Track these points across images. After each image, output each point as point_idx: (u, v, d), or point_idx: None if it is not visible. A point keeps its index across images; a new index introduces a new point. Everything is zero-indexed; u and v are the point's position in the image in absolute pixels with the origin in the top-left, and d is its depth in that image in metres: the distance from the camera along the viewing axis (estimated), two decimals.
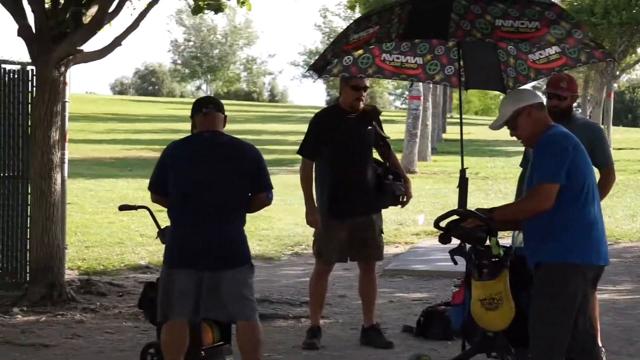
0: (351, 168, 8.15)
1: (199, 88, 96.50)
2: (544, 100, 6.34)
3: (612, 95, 38.75)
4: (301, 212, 16.50)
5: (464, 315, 6.52)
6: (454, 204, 18.69)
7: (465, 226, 6.23)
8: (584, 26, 5.93)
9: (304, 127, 32.71)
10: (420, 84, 25.28)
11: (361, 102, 8.14)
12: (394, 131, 41.99)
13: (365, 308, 8.40)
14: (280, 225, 15.37)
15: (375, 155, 8.38)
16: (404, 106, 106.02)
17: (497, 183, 22.83)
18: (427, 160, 27.89)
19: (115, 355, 7.92)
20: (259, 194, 6.59)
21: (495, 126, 6.31)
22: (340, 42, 6.33)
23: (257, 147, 24.77)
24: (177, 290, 6.47)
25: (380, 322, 8.61)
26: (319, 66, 6.66)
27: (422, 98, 25.92)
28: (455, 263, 6.45)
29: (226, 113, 6.64)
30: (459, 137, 30.86)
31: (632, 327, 9.06)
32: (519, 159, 30.40)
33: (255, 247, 13.58)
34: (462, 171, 6.62)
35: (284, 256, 13.25)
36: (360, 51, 6.63)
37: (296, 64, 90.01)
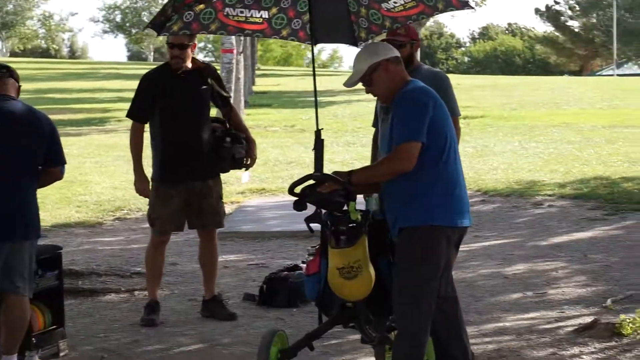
0: (184, 130, 7.62)
1: None
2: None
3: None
4: (118, 174, 15.94)
5: (320, 285, 6.12)
6: (274, 159, 18.50)
7: (321, 191, 5.81)
8: None
9: (110, 84, 31.90)
10: (233, 37, 24.69)
11: (182, 61, 7.58)
12: None
13: (206, 279, 7.91)
14: (99, 190, 14.61)
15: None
16: (207, 59, 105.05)
17: (313, 135, 22.51)
18: (240, 114, 27.36)
19: None
20: (53, 168, 6.26)
21: (349, 83, 5.89)
22: None
23: (63, 106, 23.74)
24: None
25: (220, 291, 8.14)
26: (159, 23, 6.04)
27: (235, 51, 25.33)
28: (312, 231, 6.05)
29: (26, 71, 6.10)
30: (268, 89, 30.64)
31: (474, 282, 8.91)
32: (331, 109, 30.66)
33: (74, 214, 12.90)
34: (318, 132, 6.18)
35: (106, 222, 12.56)
36: (202, 5, 6.04)
37: (96, 20, 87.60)
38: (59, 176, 6.32)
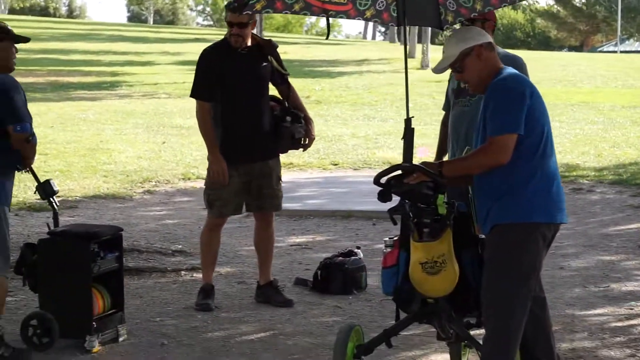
0: (245, 109, 7.32)
1: None
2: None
3: None
4: (140, 143, 15.64)
5: (398, 279, 5.87)
6: None
7: (409, 182, 5.53)
8: None
9: (115, 46, 31.54)
10: None
11: (242, 39, 7.27)
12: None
13: (262, 263, 7.65)
14: (123, 159, 14.29)
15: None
16: (205, 22, 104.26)
17: (331, 107, 22.26)
18: None
19: None
20: (7, 126, 5.89)
21: (439, 69, 5.60)
22: None
23: (71, 68, 23.32)
24: None
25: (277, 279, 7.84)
26: (246, 1, 5.69)
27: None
28: (395, 223, 5.76)
29: (28, 30, 5.88)
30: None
31: None
32: (343, 80, 30.22)
33: (102, 184, 12.62)
34: (408, 120, 5.85)
35: (136, 194, 12.25)
36: None
37: None
38: (14, 135, 5.89)
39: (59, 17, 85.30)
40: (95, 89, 24.56)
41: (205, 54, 7.42)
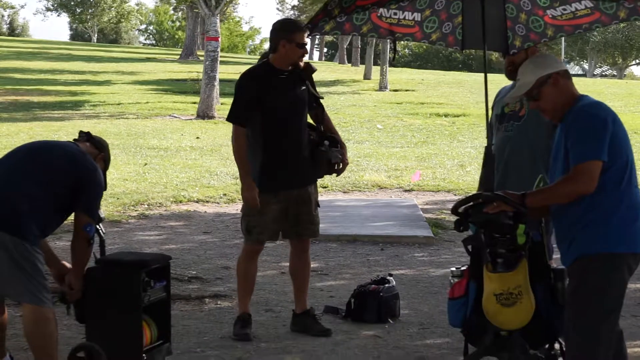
0: (286, 134, 7.12)
1: None
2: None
3: None
4: (121, 165, 15.31)
5: (466, 311, 5.72)
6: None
7: (488, 211, 5.38)
8: None
9: (66, 65, 31.09)
10: (218, 22, 24.16)
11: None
12: (160, 70, 40.51)
13: (298, 291, 7.43)
14: (109, 181, 13.72)
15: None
16: (148, 42, 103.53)
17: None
18: (217, 103, 26.74)
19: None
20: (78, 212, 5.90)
21: (514, 97, 5.48)
22: None
23: (29, 87, 23.19)
24: None
25: (313, 307, 7.59)
26: (316, 23, 5.50)
27: (220, 39, 24.72)
28: (469, 253, 5.63)
29: None
30: (231, 77, 29.47)
31: None
32: None
33: None
34: (488, 148, 5.68)
35: (132, 219, 11.95)
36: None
37: None
38: (80, 219, 5.83)
39: (1, 35, 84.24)
40: (58, 109, 24.14)
41: (247, 75, 7.20)
